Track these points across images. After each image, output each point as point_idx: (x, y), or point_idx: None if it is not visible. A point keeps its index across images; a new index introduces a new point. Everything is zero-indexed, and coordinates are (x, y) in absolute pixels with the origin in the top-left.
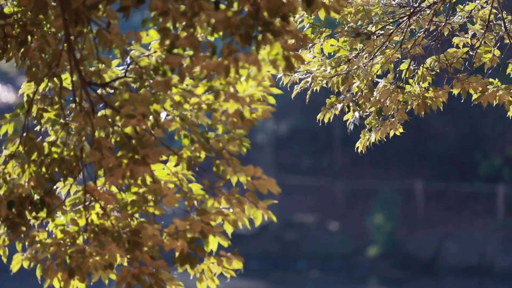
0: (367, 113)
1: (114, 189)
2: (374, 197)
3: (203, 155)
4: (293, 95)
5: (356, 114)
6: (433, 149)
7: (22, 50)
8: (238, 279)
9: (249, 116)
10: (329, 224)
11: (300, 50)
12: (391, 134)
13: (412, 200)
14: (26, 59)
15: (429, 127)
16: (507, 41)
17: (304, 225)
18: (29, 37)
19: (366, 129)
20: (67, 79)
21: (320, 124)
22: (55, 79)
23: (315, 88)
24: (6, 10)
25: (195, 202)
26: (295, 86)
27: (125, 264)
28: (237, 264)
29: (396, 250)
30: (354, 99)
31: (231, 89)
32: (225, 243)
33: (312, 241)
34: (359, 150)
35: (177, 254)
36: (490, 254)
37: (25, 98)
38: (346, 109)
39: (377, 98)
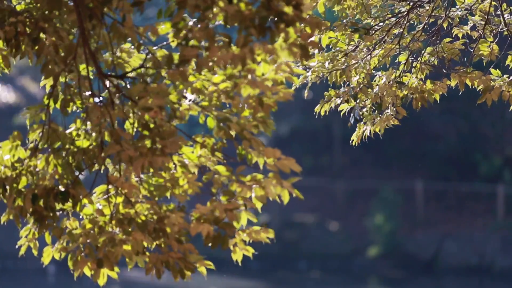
0: (365, 106)
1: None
2: (374, 197)
3: (225, 139)
4: (291, 90)
5: (357, 106)
6: (433, 149)
7: (36, 47)
8: (238, 279)
9: (268, 101)
10: (329, 224)
11: None
12: (387, 126)
13: (412, 200)
14: (41, 56)
15: (429, 127)
16: (505, 32)
17: (304, 225)
18: (41, 34)
19: (362, 122)
20: (85, 70)
21: (316, 117)
22: (71, 74)
23: (314, 82)
24: (18, 7)
25: (221, 185)
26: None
27: (153, 248)
28: (269, 234)
29: (396, 250)
30: (352, 93)
31: (249, 76)
32: (254, 219)
33: (312, 241)
34: (353, 143)
35: (204, 236)
36: (490, 254)
37: (47, 90)
38: (346, 104)
39: (376, 93)
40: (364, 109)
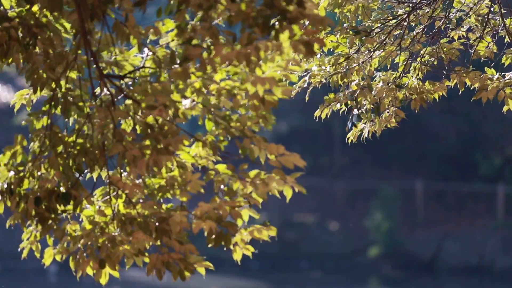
0: (365, 109)
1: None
2: (374, 197)
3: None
4: (292, 94)
5: (355, 111)
6: (433, 149)
7: (24, 54)
8: (238, 279)
9: (269, 98)
10: (329, 224)
11: None
12: (385, 128)
13: (412, 200)
14: (28, 63)
15: (429, 127)
16: (501, 33)
17: (304, 225)
18: (33, 41)
19: (361, 122)
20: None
21: (317, 120)
22: (73, 73)
23: (315, 85)
24: (11, 13)
25: (221, 186)
26: (294, 85)
27: (152, 249)
28: (271, 233)
29: (396, 250)
30: (352, 96)
31: (253, 74)
32: (256, 216)
33: (312, 241)
34: (349, 141)
35: (206, 234)
36: (490, 254)
37: (16, 108)
38: (345, 107)
39: (375, 96)
40: (362, 110)
